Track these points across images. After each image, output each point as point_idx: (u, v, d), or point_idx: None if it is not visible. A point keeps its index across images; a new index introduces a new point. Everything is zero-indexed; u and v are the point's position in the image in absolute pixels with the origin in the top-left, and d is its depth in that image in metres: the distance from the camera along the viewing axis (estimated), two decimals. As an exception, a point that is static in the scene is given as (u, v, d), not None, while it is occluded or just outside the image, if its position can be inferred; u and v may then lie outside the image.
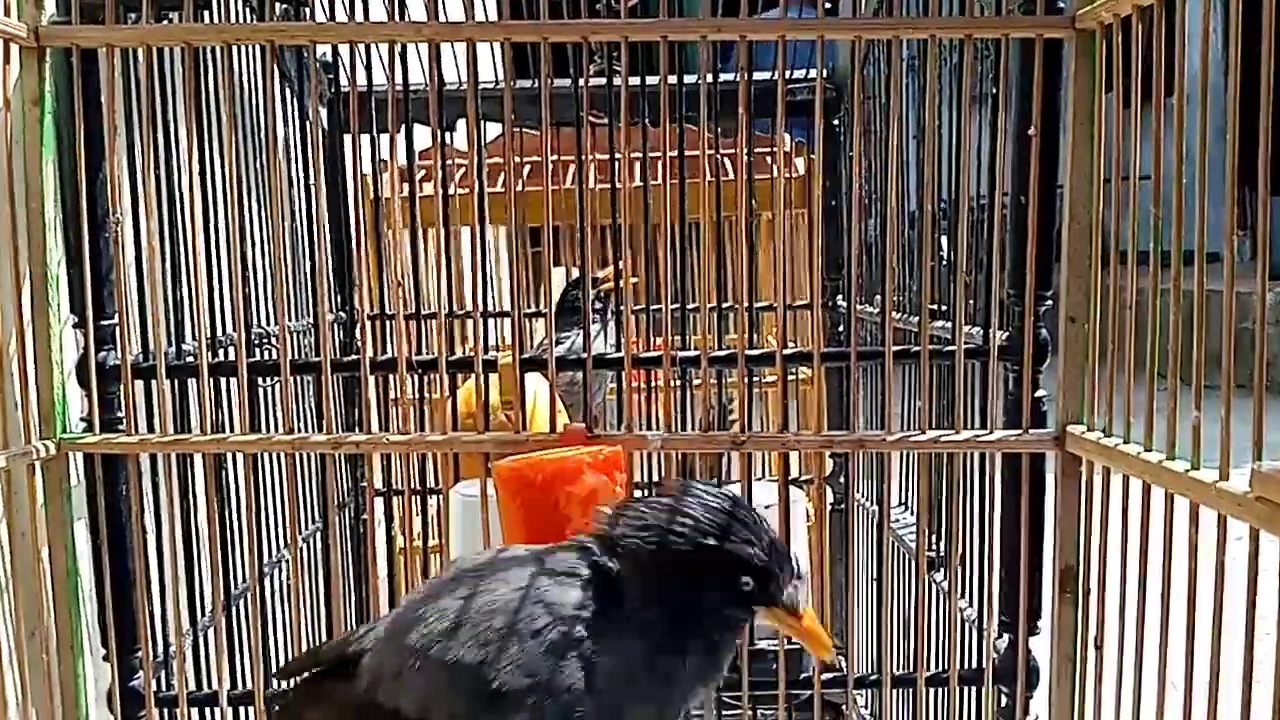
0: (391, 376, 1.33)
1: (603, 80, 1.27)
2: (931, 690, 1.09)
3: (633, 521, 0.76)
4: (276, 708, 0.83)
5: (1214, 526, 0.76)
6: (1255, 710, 0.75)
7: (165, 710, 1.05)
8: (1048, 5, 0.96)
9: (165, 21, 0.99)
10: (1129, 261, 0.92)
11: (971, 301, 1.10)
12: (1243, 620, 0.75)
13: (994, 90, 0.99)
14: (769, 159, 1.57)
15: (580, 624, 0.73)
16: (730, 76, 1.28)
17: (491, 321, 1.75)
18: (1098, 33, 0.93)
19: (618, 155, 1.11)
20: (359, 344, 1.05)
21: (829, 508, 1.69)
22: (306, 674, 0.85)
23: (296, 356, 1.29)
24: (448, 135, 1.42)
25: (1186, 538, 0.80)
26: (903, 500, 1.45)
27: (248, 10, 1.12)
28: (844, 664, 1.60)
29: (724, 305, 1.33)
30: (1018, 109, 0.99)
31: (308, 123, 1.38)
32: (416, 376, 1.34)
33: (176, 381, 1.04)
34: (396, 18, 0.98)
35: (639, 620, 0.74)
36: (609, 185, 1.36)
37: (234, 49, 0.98)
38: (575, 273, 1.98)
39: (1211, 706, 0.78)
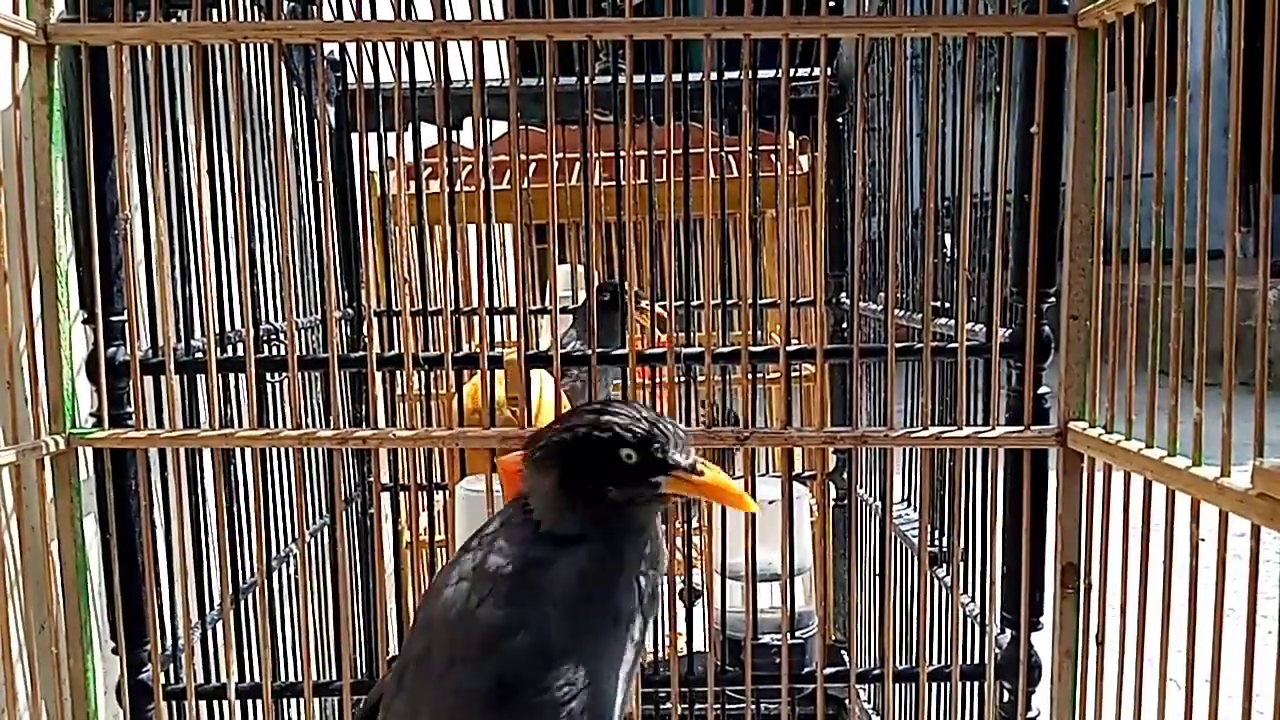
0: (398, 373, 1.34)
1: (607, 78, 1.27)
2: (934, 685, 1.10)
3: (539, 438, 0.80)
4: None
5: (1215, 523, 0.77)
6: (1256, 707, 0.76)
7: (173, 703, 1.06)
8: (1050, 4, 0.96)
9: (173, 19, 0.99)
10: (1131, 259, 0.93)
11: (974, 299, 1.10)
12: (1244, 617, 0.75)
13: (997, 89, 0.99)
14: (773, 156, 1.58)
15: (513, 567, 0.76)
16: (734, 74, 1.28)
17: (497, 318, 1.75)
18: (1100, 31, 0.94)
19: (622, 153, 1.12)
20: (366, 340, 1.05)
21: (832, 503, 1.70)
22: None
23: (304, 353, 1.30)
24: (454, 133, 1.43)
25: (1188, 534, 0.80)
26: (905, 496, 1.45)
27: (255, 9, 1.13)
28: (847, 658, 1.61)
29: (728, 302, 1.34)
30: (1021, 107, 1.00)
31: (315, 121, 1.39)
32: (423, 373, 1.35)
33: (185, 377, 1.05)
34: (403, 16, 0.98)
35: (556, 534, 0.77)
36: (614, 182, 1.36)
37: (242, 47, 0.99)
38: (580, 269, 1.98)
39: (1213, 703, 0.79)
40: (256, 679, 1.08)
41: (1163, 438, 0.84)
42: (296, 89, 1.37)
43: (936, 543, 1.27)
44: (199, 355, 1.05)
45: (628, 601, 0.78)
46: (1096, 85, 0.96)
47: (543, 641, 0.74)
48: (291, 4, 1.11)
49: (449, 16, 0.99)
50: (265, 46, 1.19)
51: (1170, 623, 0.83)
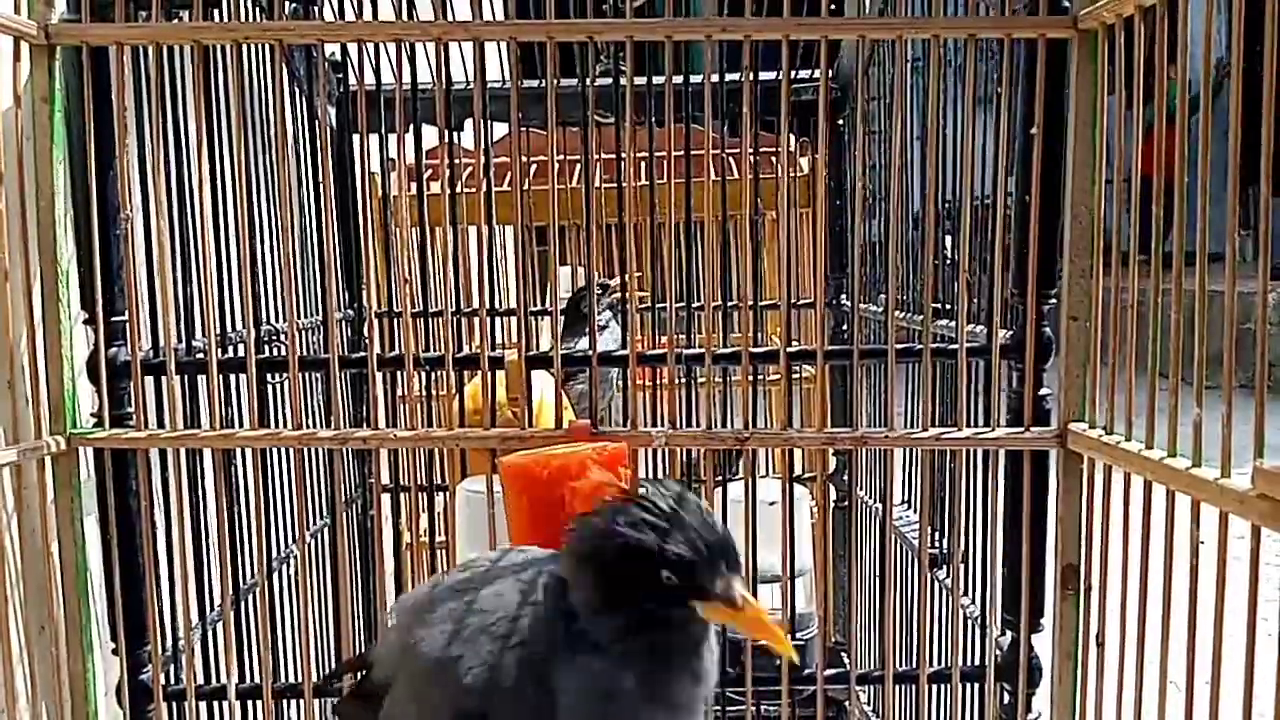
0: (399, 374, 1.34)
1: (609, 80, 1.28)
2: (934, 687, 1.10)
3: (580, 530, 0.77)
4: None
5: (1215, 524, 0.77)
6: (1256, 708, 0.76)
7: (173, 704, 1.05)
8: (1051, 5, 0.96)
9: (175, 20, 0.99)
10: (1131, 262, 0.93)
11: (974, 300, 1.10)
12: (1244, 617, 0.75)
13: (998, 90, 0.99)
14: (774, 159, 1.58)
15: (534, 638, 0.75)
16: (735, 76, 1.28)
17: (498, 319, 1.75)
18: (1100, 33, 0.94)
19: (623, 155, 1.12)
20: (367, 342, 1.05)
21: (832, 506, 1.70)
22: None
23: (305, 354, 1.30)
24: (455, 134, 1.43)
25: (1188, 535, 0.80)
26: (905, 498, 1.45)
27: (257, 9, 1.13)
28: (847, 660, 1.61)
29: (729, 304, 1.34)
30: (1022, 109, 1.00)
31: (316, 122, 1.39)
32: (423, 374, 1.35)
33: (186, 378, 1.05)
34: (405, 17, 0.98)
35: (588, 631, 0.75)
36: (615, 184, 1.37)
37: (243, 47, 0.99)
38: (581, 272, 1.99)
39: (1214, 705, 0.79)
40: (256, 680, 1.08)
41: (1163, 439, 0.84)
42: (298, 90, 1.37)
43: (937, 545, 1.27)
44: (200, 356, 1.05)
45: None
46: (1096, 87, 0.96)
47: None
48: (293, 5, 1.11)
49: (450, 17, 0.99)
50: (267, 47, 1.19)
51: (1170, 624, 0.83)
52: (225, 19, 1.00)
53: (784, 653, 0.77)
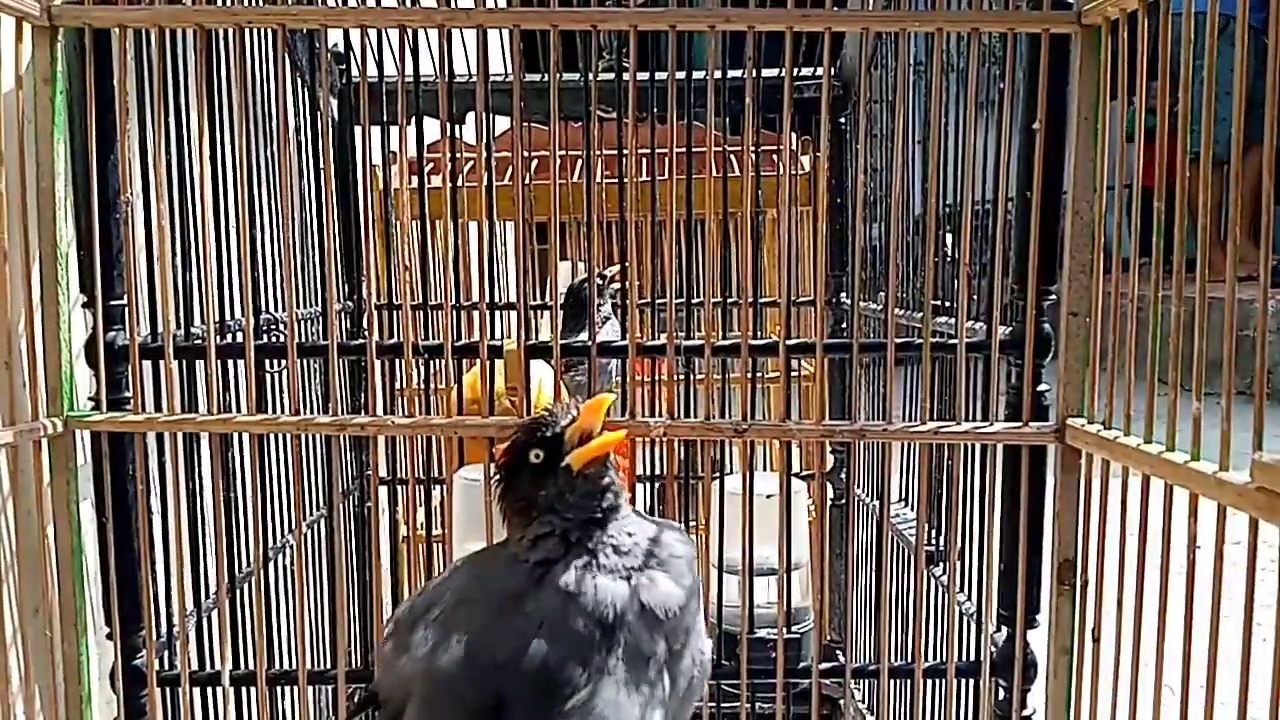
0: (397, 364, 1.34)
1: (611, 75, 1.27)
2: (929, 682, 1.10)
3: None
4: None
5: (1213, 518, 0.76)
6: (1251, 706, 0.76)
7: (167, 689, 1.05)
8: (1054, 0, 0.96)
9: (178, 3, 0.99)
10: (1131, 268, 0.93)
11: (974, 297, 1.10)
12: (1241, 612, 0.75)
13: (1000, 86, 0.99)
14: (775, 157, 1.58)
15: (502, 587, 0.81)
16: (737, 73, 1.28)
17: (498, 314, 1.75)
18: (1104, 28, 0.94)
19: (625, 150, 1.12)
20: (365, 332, 1.05)
21: (829, 503, 1.69)
22: None
23: (304, 341, 1.29)
24: (457, 128, 1.43)
25: (1186, 529, 0.80)
26: (902, 496, 1.45)
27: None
28: (842, 656, 1.60)
29: (728, 300, 1.34)
30: (1024, 106, 1.00)
31: (318, 113, 1.39)
32: (422, 364, 1.35)
33: (184, 364, 1.05)
34: (408, 3, 0.98)
35: (531, 560, 0.81)
36: (616, 180, 1.37)
37: (246, 32, 0.99)
38: (581, 267, 1.99)
39: (1209, 699, 0.78)
40: (251, 667, 1.08)
41: (1161, 435, 0.84)
42: (300, 81, 1.37)
43: (933, 541, 1.27)
44: (199, 341, 1.05)
45: (616, 618, 0.78)
46: (1099, 83, 0.96)
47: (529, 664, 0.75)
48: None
49: (453, 4, 0.99)
50: (269, 33, 1.19)
51: (1167, 619, 0.83)
52: (228, 3, 1.00)
53: (617, 437, 0.84)
